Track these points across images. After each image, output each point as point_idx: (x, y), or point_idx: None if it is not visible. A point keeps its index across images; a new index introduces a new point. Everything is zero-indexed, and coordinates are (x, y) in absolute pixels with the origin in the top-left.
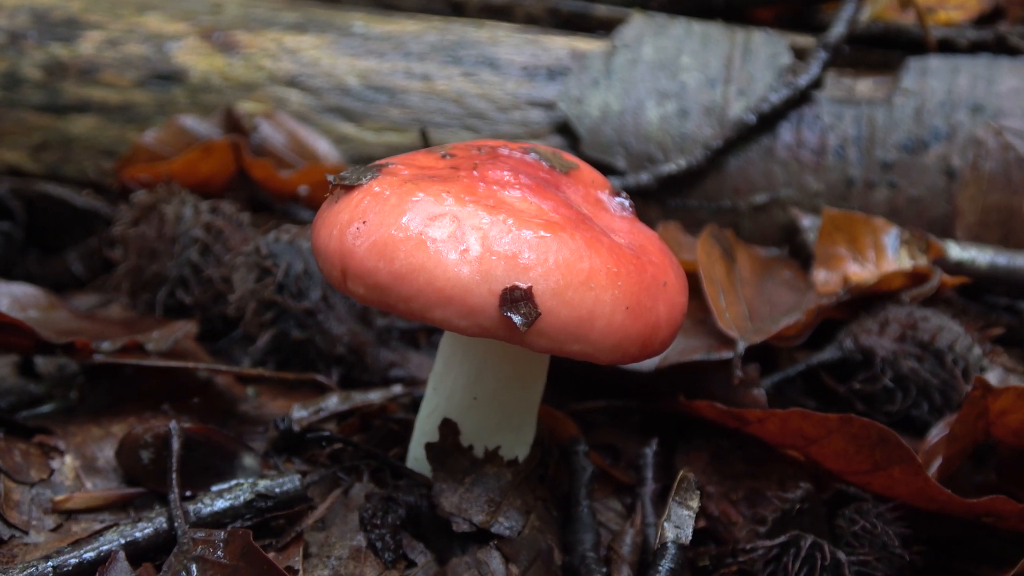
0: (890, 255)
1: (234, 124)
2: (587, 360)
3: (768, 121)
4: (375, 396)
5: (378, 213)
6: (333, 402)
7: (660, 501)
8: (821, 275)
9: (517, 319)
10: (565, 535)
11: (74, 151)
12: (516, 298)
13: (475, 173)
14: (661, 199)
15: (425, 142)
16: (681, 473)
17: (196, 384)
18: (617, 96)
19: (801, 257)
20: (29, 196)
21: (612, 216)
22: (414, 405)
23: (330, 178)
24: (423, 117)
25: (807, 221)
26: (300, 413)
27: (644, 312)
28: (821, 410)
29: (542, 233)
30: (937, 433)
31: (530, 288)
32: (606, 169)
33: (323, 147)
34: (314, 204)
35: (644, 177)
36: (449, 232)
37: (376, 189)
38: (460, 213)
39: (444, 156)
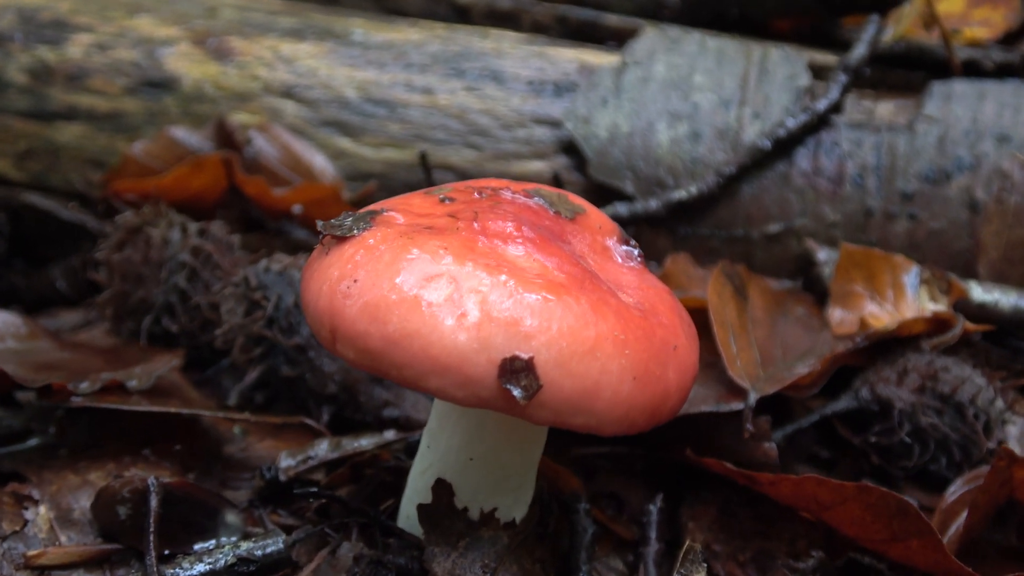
0: (910, 295)
1: (227, 137)
2: (590, 433)
3: (784, 147)
4: (367, 443)
5: (370, 271)
6: (323, 449)
7: (663, 562)
8: (837, 314)
9: (517, 392)
10: None
11: (60, 160)
12: (516, 369)
13: (475, 225)
14: (671, 226)
15: (424, 166)
16: (687, 544)
17: (180, 423)
18: (627, 116)
19: (816, 291)
20: (13, 206)
21: (620, 268)
22: (408, 451)
23: (320, 226)
24: (424, 133)
25: (823, 254)
26: (287, 462)
27: (653, 381)
28: (834, 461)
29: (546, 297)
30: (956, 490)
31: (532, 359)
32: (614, 194)
33: (319, 163)
34: (308, 223)
35: (653, 203)
36: (446, 295)
37: (370, 242)
38: (458, 273)
39: (443, 200)
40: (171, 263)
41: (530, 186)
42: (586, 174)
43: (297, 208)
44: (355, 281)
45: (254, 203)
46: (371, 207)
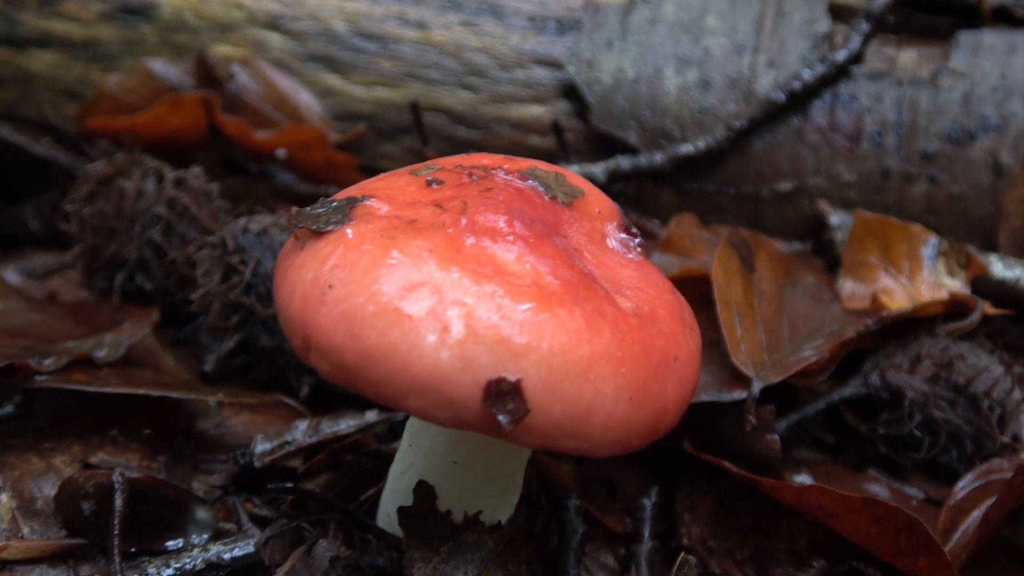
0: (926, 268)
1: (207, 71)
2: (582, 455)
3: (799, 100)
4: (347, 425)
5: (347, 277)
6: (300, 433)
7: (657, 560)
8: (848, 286)
9: (502, 417)
10: None
11: (34, 90)
12: (502, 392)
13: (463, 220)
14: (676, 182)
15: (416, 116)
16: (681, 557)
17: (151, 397)
18: (632, 61)
19: (827, 256)
20: None
21: (618, 260)
22: (391, 434)
23: (294, 215)
24: (417, 72)
25: (836, 218)
26: (263, 446)
27: (650, 399)
28: (839, 447)
29: (536, 310)
30: (966, 485)
31: (519, 381)
32: (617, 145)
33: (305, 101)
34: (294, 167)
35: (658, 157)
36: (428, 307)
37: (347, 239)
38: (442, 282)
39: (430, 183)
40: (145, 216)
41: (525, 164)
42: (588, 121)
43: (281, 152)
44: (330, 287)
45: (236, 145)
46: (351, 191)
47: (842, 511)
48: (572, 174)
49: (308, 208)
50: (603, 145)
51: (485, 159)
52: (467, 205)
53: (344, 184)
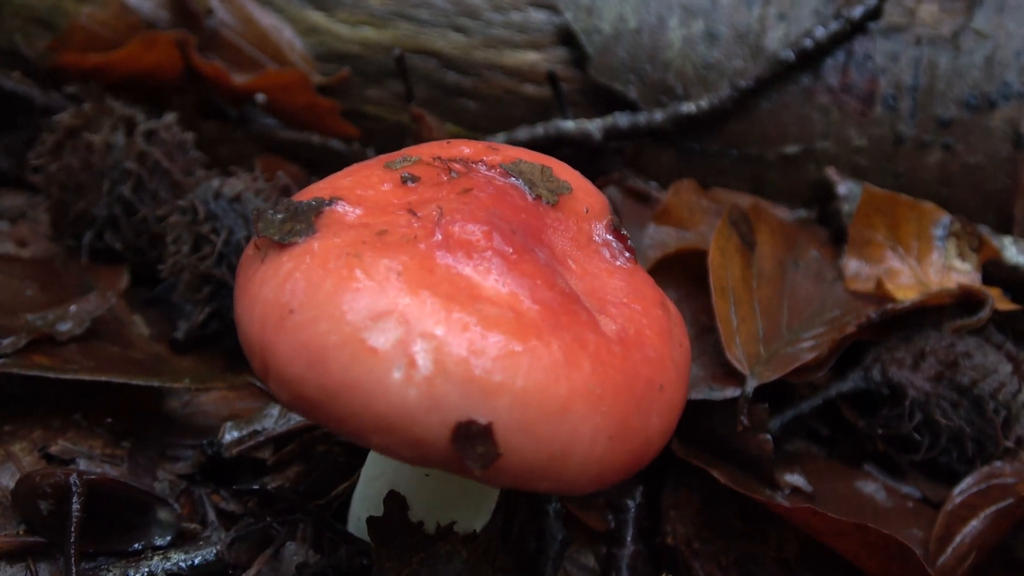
0: (936, 250)
1: (183, 5)
2: (557, 495)
3: (810, 58)
4: None
5: (309, 302)
6: (271, 420)
7: (638, 564)
8: (853, 265)
9: (471, 461)
10: None
11: (4, 17)
12: (472, 435)
13: (437, 235)
14: (677, 142)
15: (402, 73)
16: None
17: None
18: (634, 8)
19: (832, 227)
20: None
21: (605, 268)
22: None
23: (254, 221)
24: (406, 11)
25: (844, 187)
26: (232, 435)
27: (632, 435)
28: (835, 440)
29: (511, 344)
30: (965, 489)
31: (490, 424)
32: (616, 100)
33: (288, 39)
34: (275, 111)
35: (659, 116)
36: (395, 340)
37: (310, 255)
38: (410, 311)
39: (405, 180)
40: (114, 171)
41: (509, 157)
42: (585, 72)
43: (261, 97)
44: (291, 312)
45: (213, 88)
46: (319, 190)
47: (833, 532)
48: (560, 165)
49: (269, 212)
50: (601, 98)
51: (466, 148)
52: (443, 212)
53: (327, 131)
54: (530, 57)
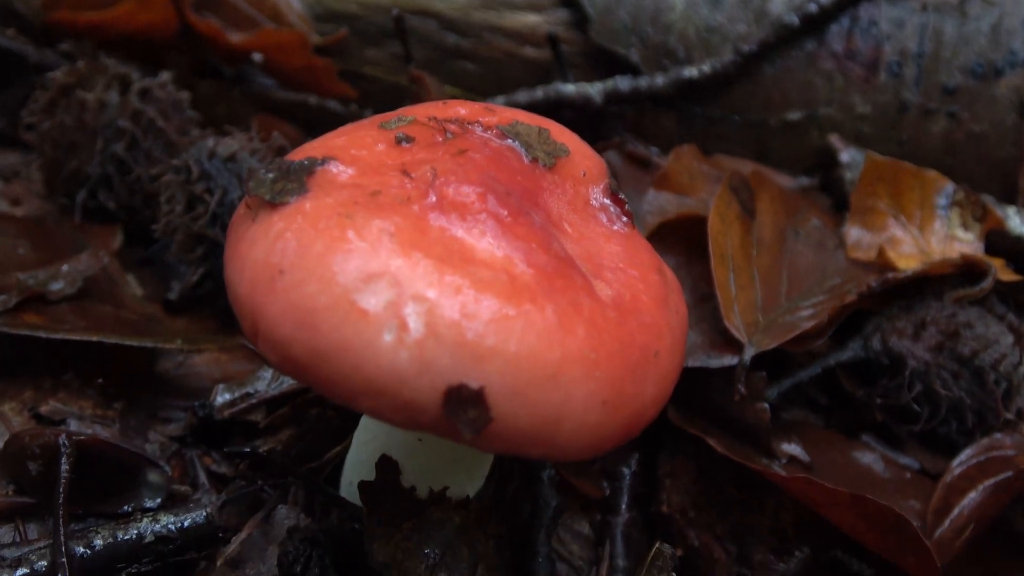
0: (939, 219)
1: None
2: (550, 461)
3: (814, 23)
4: None
5: (299, 262)
6: (263, 382)
7: (633, 532)
8: (854, 234)
9: (462, 426)
10: None
11: None
12: (463, 399)
13: (431, 196)
14: (678, 107)
15: (400, 30)
16: (656, 547)
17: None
18: None
19: (835, 195)
20: None
21: (602, 233)
22: None
23: (246, 180)
24: None
25: (847, 155)
26: (224, 397)
27: (626, 402)
28: (833, 412)
29: (504, 308)
30: (964, 461)
31: (482, 388)
32: (617, 63)
33: None
34: (272, 71)
35: (660, 80)
36: (386, 302)
37: (302, 214)
38: (402, 273)
39: (399, 141)
40: (108, 130)
41: (506, 118)
42: (586, 34)
43: (257, 56)
44: (281, 272)
45: (209, 47)
46: (311, 149)
47: (829, 503)
48: (558, 128)
49: (261, 171)
50: (602, 61)
51: (463, 109)
52: (437, 174)
53: (325, 92)
54: (530, 19)
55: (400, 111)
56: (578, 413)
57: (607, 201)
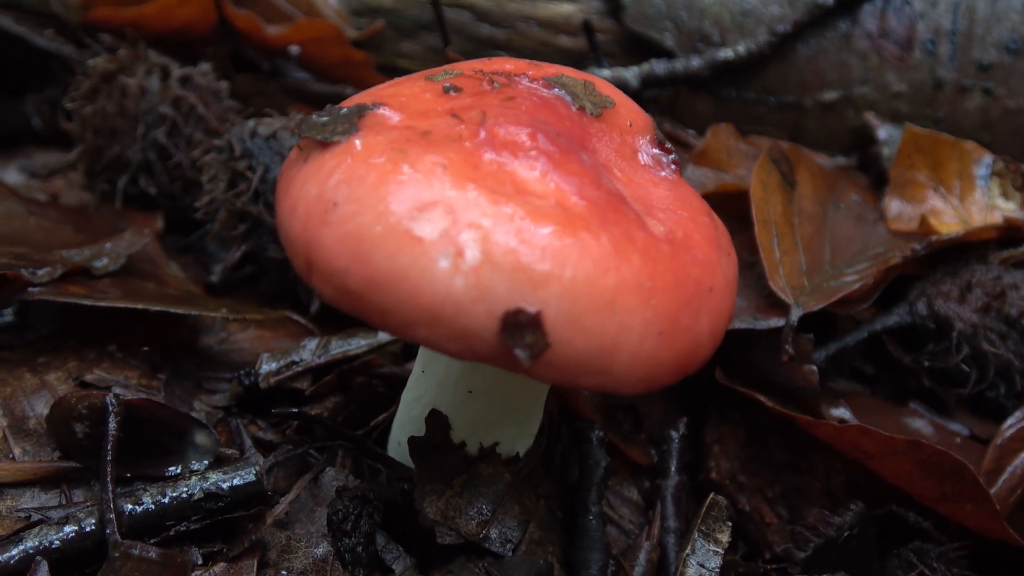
0: (979, 189)
1: None
2: (605, 393)
3: (848, 3)
4: (357, 345)
5: (353, 194)
6: (308, 352)
7: (683, 496)
8: (895, 206)
9: (520, 351)
10: (570, 550)
11: None
12: (521, 324)
13: (482, 133)
14: (713, 89)
15: (437, 13)
16: (711, 497)
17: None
18: None
19: (872, 172)
20: None
21: (650, 179)
22: (405, 354)
23: (297, 124)
24: None
25: (883, 132)
26: (269, 366)
27: (682, 333)
28: (879, 378)
29: (559, 235)
30: (1015, 423)
31: (539, 313)
32: (652, 47)
33: None
34: (308, 64)
35: (695, 62)
36: (441, 230)
37: (355, 152)
38: (457, 202)
39: (447, 90)
40: (149, 116)
41: (551, 71)
42: (621, 22)
43: (294, 49)
44: (335, 205)
45: (246, 41)
46: (361, 99)
47: (884, 453)
48: (602, 82)
49: (314, 116)
50: (637, 47)
51: (508, 64)
52: (486, 116)
53: (361, 85)
54: (565, 8)
55: (446, 66)
56: (634, 341)
57: (656, 150)
